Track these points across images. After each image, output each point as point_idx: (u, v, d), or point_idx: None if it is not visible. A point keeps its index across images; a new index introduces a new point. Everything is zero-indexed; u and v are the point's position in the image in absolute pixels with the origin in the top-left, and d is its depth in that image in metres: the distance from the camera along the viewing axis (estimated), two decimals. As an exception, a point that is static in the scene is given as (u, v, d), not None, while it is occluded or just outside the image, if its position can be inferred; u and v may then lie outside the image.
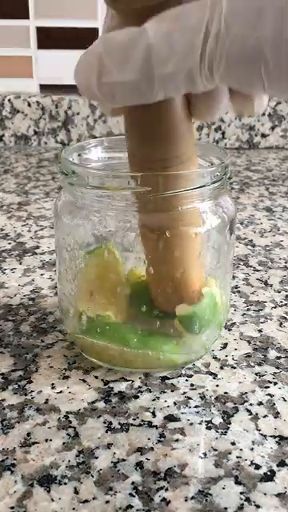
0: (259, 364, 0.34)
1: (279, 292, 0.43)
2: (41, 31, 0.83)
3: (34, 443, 0.28)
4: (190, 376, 0.33)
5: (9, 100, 0.83)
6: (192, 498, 0.25)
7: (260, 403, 0.31)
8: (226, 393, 0.32)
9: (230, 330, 0.38)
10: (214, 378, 0.33)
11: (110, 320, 0.32)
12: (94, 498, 0.25)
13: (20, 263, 0.47)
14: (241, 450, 0.28)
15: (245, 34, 0.20)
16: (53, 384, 0.32)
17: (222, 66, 0.21)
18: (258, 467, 0.27)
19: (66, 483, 0.26)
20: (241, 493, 0.25)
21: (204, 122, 0.83)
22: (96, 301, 0.32)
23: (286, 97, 0.22)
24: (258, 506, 0.24)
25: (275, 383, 0.32)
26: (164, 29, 0.22)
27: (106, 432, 0.29)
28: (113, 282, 0.32)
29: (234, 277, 0.45)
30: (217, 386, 0.32)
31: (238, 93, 0.27)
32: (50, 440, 0.28)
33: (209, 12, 0.21)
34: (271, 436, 0.28)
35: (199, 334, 0.32)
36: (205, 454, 0.27)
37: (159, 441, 0.28)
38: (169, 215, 0.30)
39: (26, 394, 0.31)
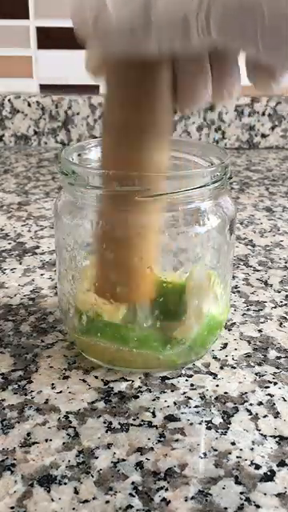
0: (259, 364, 0.34)
1: (279, 292, 0.43)
2: (41, 31, 0.83)
3: (33, 443, 0.28)
4: (190, 376, 0.33)
5: (9, 100, 0.83)
6: (192, 498, 0.25)
7: (260, 403, 0.31)
8: (226, 393, 0.32)
9: (229, 330, 0.38)
10: (214, 378, 0.33)
11: (110, 320, 0.32)
12: (94, 498, 0.25)
13: (20, 263, 0.47)
14: (241, 450, 0.28)
15: None
16: (53, 384, 0.32)
17: (218, 15, 0.21)
18: (258, 467, 0.27)
19: (66, 483, 0.26)
20: (241, 493, 0.25)
21: (204, 122, 0.83)
22: (96, 301, 0.32)
23: (279, 61, 0.22)
24: (257, 506, 0.24)
25: (275, 383, 0.32)
26: None
27: (106, 432, 0.29)
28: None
29: (233, 277, 0.45)
30: (217, 386, 0.32)
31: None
32: (50, 440, 0.28)
33: None
34: (271, 436, 0.28)
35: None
36: (205, 454, 0.27)
37: (159, 441, 0.28)
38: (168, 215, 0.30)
39: (26, 394, 0.31)
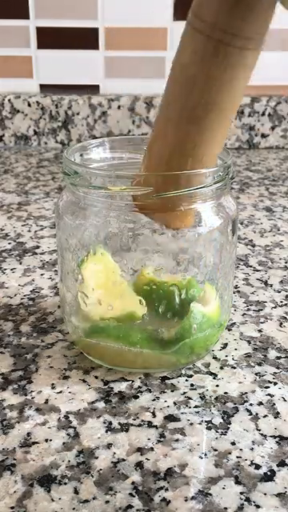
0: (259, 364, 0.34)
1: (279, 292, 0.43)
2: (41, 31, 0.83)
3: (33, 443, 0.28)
4: (190, 376, 0.33)
5: (9, 100, 0.83)
6: (192, 498, 0.25)
7: (260, 403, 0.31)
8: (226, 393, 0.32)
9: (229, 330, 0.38)
10: (214, 378, 0.33)
11: (111, 322, 0.32)
12: (94, 498, 0.25)
13: (20, 263, 0.47)
14: (241, 450, 0.28)
15: None
16: (53, 384, 0.32)
17: None
18: (257, 467, 0.27)
19: (66, 483, 0.26)
20: (241, 493, 0.25)
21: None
22: (98, 305, 0.32)
23: None
24: (258, 506, 0.24)
25: (275, 383, 0.32)
26: None
27: (106, 432, 0.29)
28: (111, 284, 0.32)
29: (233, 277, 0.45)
30: (217, 386, 0.32)
31: None
32: (50, 440, 0.28)
33: None
34: (271, 436, 0.28)
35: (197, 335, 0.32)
36: (205, 454, 0.27)
37: (159, 441, 0.28)
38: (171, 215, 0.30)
39: (26, 394, 0.31)
